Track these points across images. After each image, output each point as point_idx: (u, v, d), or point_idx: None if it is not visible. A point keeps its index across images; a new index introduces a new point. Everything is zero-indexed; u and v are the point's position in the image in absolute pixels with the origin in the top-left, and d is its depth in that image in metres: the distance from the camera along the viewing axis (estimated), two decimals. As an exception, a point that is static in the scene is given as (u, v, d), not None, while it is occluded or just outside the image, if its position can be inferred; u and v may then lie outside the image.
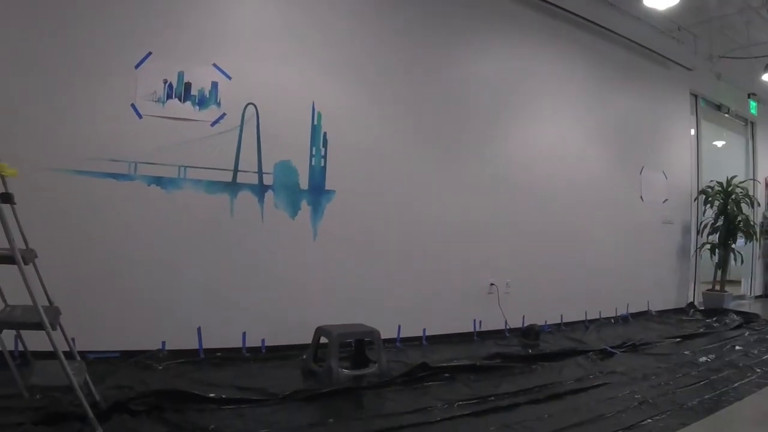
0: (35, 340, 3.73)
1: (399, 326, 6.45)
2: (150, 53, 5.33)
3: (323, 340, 5.04)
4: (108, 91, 5.16)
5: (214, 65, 5.63)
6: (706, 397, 4.89)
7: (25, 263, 3.24)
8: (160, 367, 4.89)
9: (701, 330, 8.09)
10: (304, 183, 6.00)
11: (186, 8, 5.55)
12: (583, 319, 8.34)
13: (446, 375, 5.18)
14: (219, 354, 5.41)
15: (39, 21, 4.91)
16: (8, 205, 3.48)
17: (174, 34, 5.49)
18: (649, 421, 4.20)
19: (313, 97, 6.06)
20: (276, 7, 6.05)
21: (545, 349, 6.42)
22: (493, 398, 4.60)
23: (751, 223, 10.56)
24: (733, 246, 10.52)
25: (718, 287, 10.42)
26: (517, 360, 5.86)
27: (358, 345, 5.30)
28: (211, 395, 4.16)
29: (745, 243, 11.16)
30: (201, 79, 5.57)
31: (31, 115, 4.83)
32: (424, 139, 6.85)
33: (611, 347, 6.63)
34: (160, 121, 5.34)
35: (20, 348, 4.22)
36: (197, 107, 5.54)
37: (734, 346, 7.08)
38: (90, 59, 5.07)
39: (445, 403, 4.41)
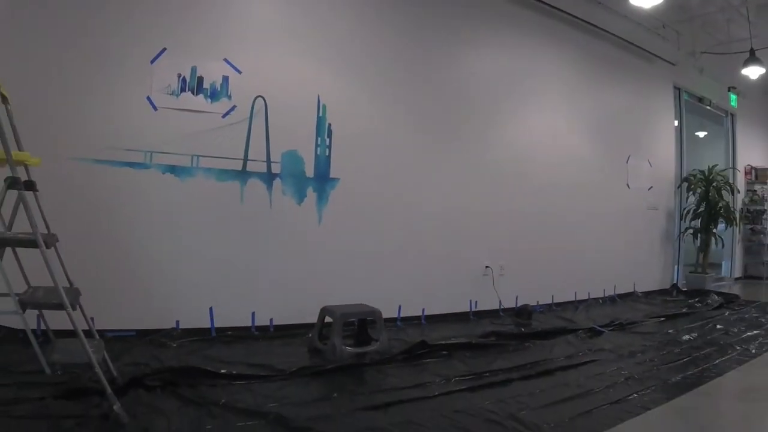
0: (57, 320, 3.73)
1: (399, 306, 6.48)
2: (165, 49, 5.35)
3: (328, 319, 5.03)
4: (125, 85, 5.18)
5: (225, 60, 5.63)
6: (689, 373, 4.91)
7: (47, 247, 3.26)
8: (174, 345, 4.91)
9: (684, 310, 8.10)
10: (309, 171, 6.01)
11: (198, 6, 5.55)
12: (573, 299, 8.35)
13: (444, 352, 5.20)
14: (230, 332, 5.44)
15: (61, 19, 4.92)
16: (31, 192, 3.48)
17: (187, 31, 5.50)
18: (635, 395, 4.21)
19: (319, 90, 6.06)
20: (283, 6, 6.05)
21: (537, 328, 6.44)
22: (487, 374, 4.62)
23: (731, 209, 10.57)
24: (714, 231, 10.56)
25: (700, 269, 10.45)
26: (511, 338, 5.88)
27: (361, 324, 5.31)
28: (222, 371, 4.18)
29: (726, 228, 11.18)
30: (213, 74, 5.58)
31: (52, 108, 4.84)
32: (423, 131, 6.84)
33: (599, 326, 6.64)
34: (174, 113, 5.36)
35: (42, 327, 4.23)
36: (209, 100, 5.56)
37: (715, 325, 7.09)
38: (108, 55, 5.09)
39: (442, 379, 4.44)
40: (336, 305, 5.16)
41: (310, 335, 5.18)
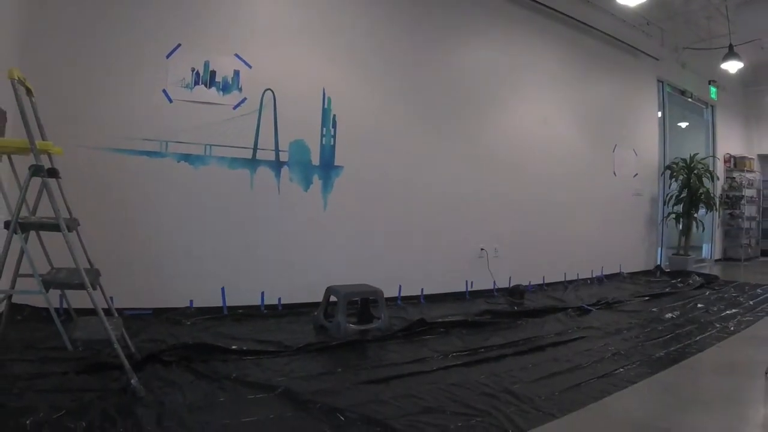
0: (78, 299, 3.77)
1: (400, 286, 6.46)
2: (179, 45, 5.33)
3: (333, 298, 5.00)
4: (142, 79, 5.16)
5: (236, 55, 5.62)
6: (672, 349, 4.88)
7: (69, 230, 3.26)
8: (188, 323, 4.91)
9: (667, 290, 8.07)
10: (315, 159, 5.98)
11: (211, 4, 5.55)
12: (563, 279, 8.34)
13: (441, 329, 5.18)
14: (240, 311, 5.44)
15: (82, 17, 4.90)
16: (54, 179, 3.47)
17: (200, 27, 5.48)
18: (621, 370, 4.18)
19: (324, 83, 6.03)
20: (290, 4, 6.01)
21: (529, 307, 6.41)
22: (482, 350, 4.59)
23: (711, 195, 10.56)
24: (695, 215, 10.55)
25: (682, 252, 10.43)
26: (504, 316, 5.84)
27: (364, 303, 5.27)
28: (233, 347, 4.18)
29: (706, 213, 11.15)
30: (224, 68, 5.58)
31: (72, 100, 4.83)
32: (422, 122, 6.81)
33: (587, 305, 6.61)
34: (188, 104, 5.35)
35: (65, 305, 4.23)
36: (221, 92, 5.55)
37: (696, 304, 7.06)
38: (126, 50, 5.09)
39: (440, 355, 4.42)
40: (340, 285, 5.13)
41: (316, 313, 5.13)
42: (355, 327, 4.90)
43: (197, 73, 5.44)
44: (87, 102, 4.91)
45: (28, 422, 2.70)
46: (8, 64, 3.89)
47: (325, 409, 3.16)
